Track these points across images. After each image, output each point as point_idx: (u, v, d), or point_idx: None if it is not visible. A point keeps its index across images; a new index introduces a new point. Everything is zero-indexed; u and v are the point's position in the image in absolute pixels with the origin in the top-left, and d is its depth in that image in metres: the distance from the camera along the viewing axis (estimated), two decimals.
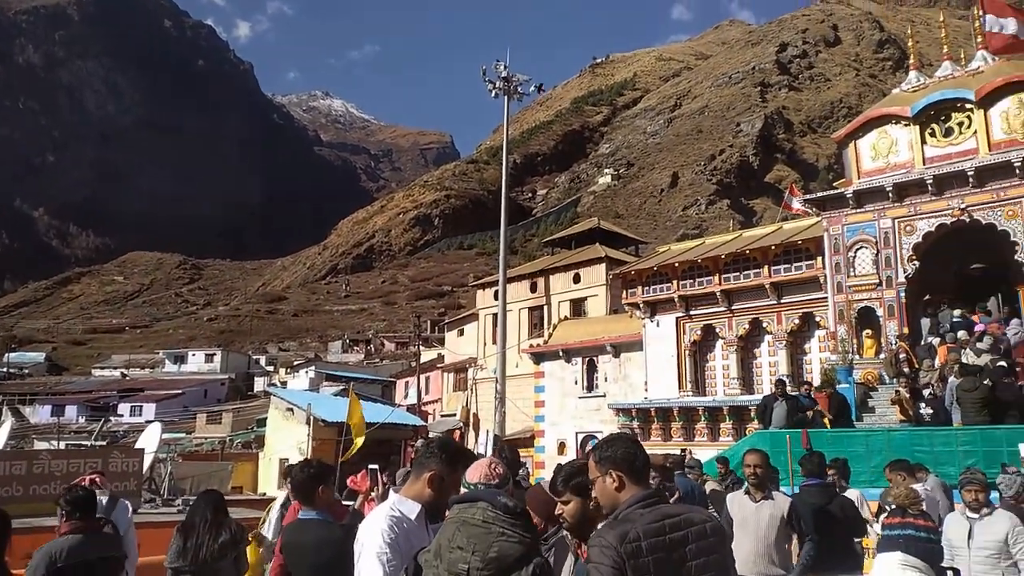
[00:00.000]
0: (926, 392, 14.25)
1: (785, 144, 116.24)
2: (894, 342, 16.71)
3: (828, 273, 18.81)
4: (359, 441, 16.24)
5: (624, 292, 24.65)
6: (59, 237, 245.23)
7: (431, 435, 24.33)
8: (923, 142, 17.75)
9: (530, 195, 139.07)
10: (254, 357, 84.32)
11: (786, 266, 20.69)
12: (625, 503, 2.57)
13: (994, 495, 6.69)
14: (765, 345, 21.80)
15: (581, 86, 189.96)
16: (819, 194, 20.62)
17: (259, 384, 68.01)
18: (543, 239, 61.08)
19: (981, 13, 17.76)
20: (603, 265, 31.12)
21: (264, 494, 22.19)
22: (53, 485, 10.67)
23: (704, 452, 17.46)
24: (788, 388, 15.40)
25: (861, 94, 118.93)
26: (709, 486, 9.34)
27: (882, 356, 16.88)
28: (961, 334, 15.05)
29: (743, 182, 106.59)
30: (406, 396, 44.53)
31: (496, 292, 32.29)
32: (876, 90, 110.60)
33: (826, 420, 14.24)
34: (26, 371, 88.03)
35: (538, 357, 28.01)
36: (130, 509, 6.70)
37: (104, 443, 31.82)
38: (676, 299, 22.80)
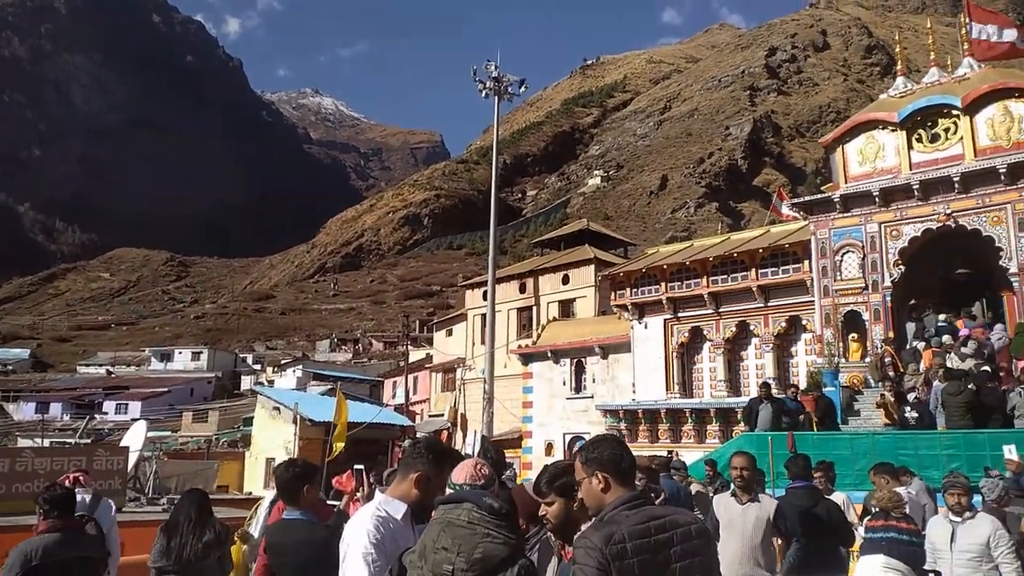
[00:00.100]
0: (911, 396, 14.35)
1: (773, 148, 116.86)
2: (880, 346, 16.84)
3: (815, 277, 18.93)
4: (339, 445, 16.18)
5: (613, 294, 24.69)
6: (44, 233, 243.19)
7: (418, 435, 24.29)
8: (910, 147, 17.89)
9: (520, 196, 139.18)
10: (241, 355, 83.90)
11: (773, 269, 20.78)
12: (611, 504, 2.57)
13: (977, 499, 6.75)
14: (752, 348, 21.89)
15: (571, 88, 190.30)
16: (806, 198, 20.77)
17: (246, 383, 67.67)
18: (532, 240, 61.15)
19: (968, 20, 17.93)
20: (592, 266, 31.17)
21: (250, 493, 22.08)
22: (36, 483, 10.58)
23: (691, 454, 17.52)
24: (773, 391, 15.47)
25: (849, 99, 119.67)
26: (694, 488, 9.38)
27: (868, 360, 17.00)
28: (946, 339, 15.19)
29: (731, 185, 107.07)
30: (394, 396, 44.43)
31: (485, 292, 32.30)
32: (864, 95, 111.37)
33: (813, 423, 14.32)
34: (10, 368, 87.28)
35: (526, 358, 28.01)
36: (113, 508, 6.66)
37: (89, 441, 31.58)
38: (664, 301, 22.86)
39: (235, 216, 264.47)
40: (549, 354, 27.05)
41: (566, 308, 31.58)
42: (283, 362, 72.08)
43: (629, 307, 23.77)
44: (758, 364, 21.58)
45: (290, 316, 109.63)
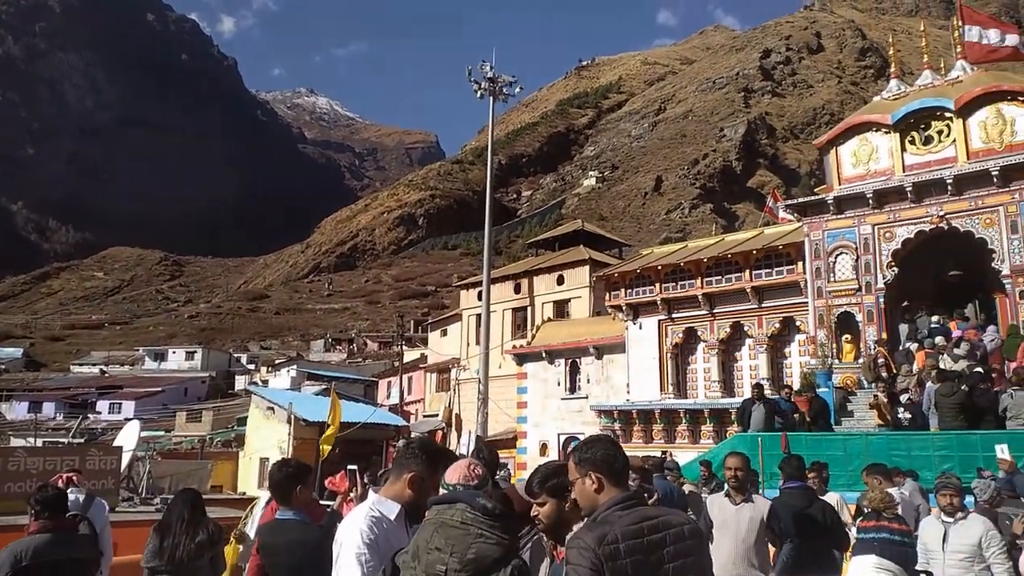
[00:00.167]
0: (904, 397, 14.42)
1: (768, 149, 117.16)
2: (873, 347, 16.90)
3: (808, 278, 18.98)
4: (325, 448, 16.16)
5: (607, 294, 24.72)
6: (38, 231, 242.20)
7: (413, 435, 24.29)
8: (903, 150, 17.96)
9: (515, 196, 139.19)
10: (235, 355, 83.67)
11: (767, 270, 20.83)
12: (604, 505, 2.57)
13: (969, 500, 6.78)
14: (746, 348, 21.94)
15: (566, 88, 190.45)
16: (800, 200, 20.83)
17: (240, 383, 67.53)
18: (527, 240, 61.15)
19: (961, 24, 18.02)
20: (587, 267, 31.20)
21: (244, 493, 22.07)
22: (28, 483, 10.55)
23: (685, 454, 17.55)
24: (766, 392, 15.52)
25: (843, 101, 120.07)
26: (686, 488, 9.39)
27: (861, 361, 17.06)
28: (939, 340, 15.26)
29: (726, 187, 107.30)
30: (388, 396, 44.37)
31: (480, 293, 32.25)
32: (858, 97, 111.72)
33: (806, 424, 14.36)
34: (3, 367, 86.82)
35: (521, 358, 28.03)
36: (107, 508, 6.65)
37: (82, 441, 31.51)
38: (659, 302, 22.90)
39: (230, 215, 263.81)
40: (544, 354, 27.07)
41: (561, 308, 31.61)
42: (277, 362, 71.96)
43: (624, 308, 23.80)
44: (752, 365, 21.64)
45: (284, 316, 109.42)
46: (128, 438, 16.12)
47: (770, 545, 5.88)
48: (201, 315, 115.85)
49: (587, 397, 25.47)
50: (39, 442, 32.79)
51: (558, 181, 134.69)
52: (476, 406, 28.45)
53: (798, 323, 20.37)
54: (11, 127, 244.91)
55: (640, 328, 23.54)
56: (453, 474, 2.93)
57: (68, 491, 5.82)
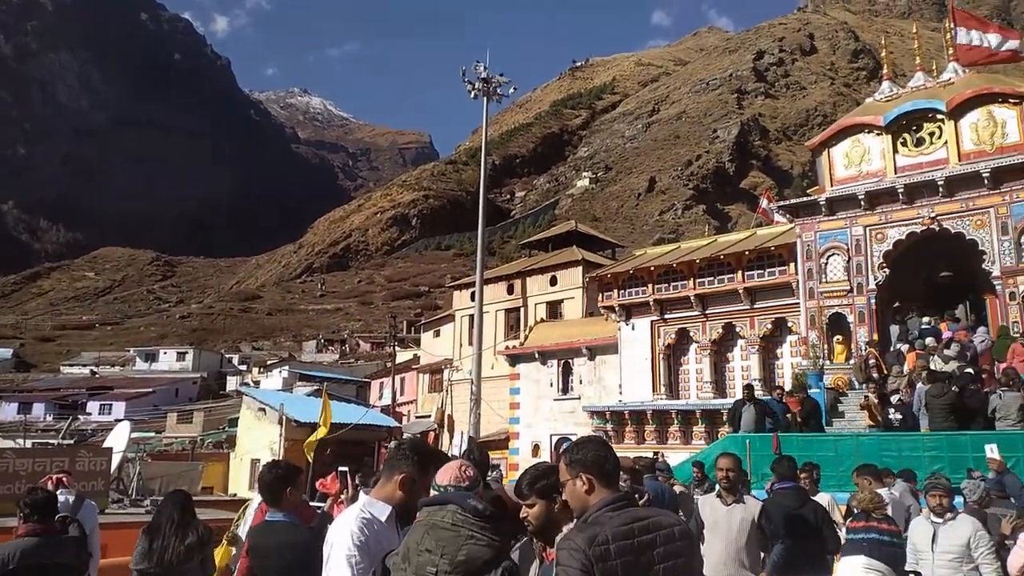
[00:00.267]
0: (894, 398, 14.46)
1: (761, 151, 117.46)
2: (864, 348, 16.97)
3: (800, 279, 19.04)
4: (308, 453, 16.12)
5: (600, 295, 24.75)
6: (29, 231, 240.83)
7: (405, 436, 24.25)
8: (895, 151, 18.05)
9: (508, 197, 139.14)
10: (227, 356, 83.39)
11: (759, 271, 20.89)
12: (595, 506, 2.57)
13: (959, 500, 6.81)
14: (738, 349, 22.00)
15: (560, 89, 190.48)
16: (793, 201, 20.90)
17: (231, 383, 67.27)
18: (521, 241, 61.15)
19: (953, 26, 18.11)
20: (580, 268, 31.22)
21: (235, 495, 21.98)
22: (17, 484, 10.49)
23: (677, 455, 17.60)
24: (756, 392, 15.55)
25: (836, 103, 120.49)
26: (676, 489, 9.40)
27: (852, 362, 17.12)
28: (929, 341, 15.32)
29: (719, 188, 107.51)
30: (381, 397, 44.31)
31: (473, 293, 32.28)
32: (851, 99, 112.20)
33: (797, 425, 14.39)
34: None
35: (514, 359, 28.02)
36: (97, 509, 6.63)
37: (72, 442, 31.35)
38: (651, 303, 22.93)
39: (222, 216, 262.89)
40: (536, 355, 27.07)
41: (554, 309, 31.62)
42: (269, 363, 71.72)
43: (616, 308, 23.83)
44: (744, 366, 21.70)
45: (276, 316, 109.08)
46: (118, 439, 16.04)
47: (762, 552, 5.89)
48: (193, 315, 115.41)
49: (580, 398, 25.49)
50: (28, 443, 32.62)
51: (552, 182, 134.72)
52: (469, 407, 28.47)
53: (790, 324, 20.43)
54: (2, 127, 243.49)
55: (633, 329, 23.57)
56: (444, 475, 2.92)
57: (58, 492, 5.81)
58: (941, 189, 17.04)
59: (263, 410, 26.39)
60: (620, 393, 23.69)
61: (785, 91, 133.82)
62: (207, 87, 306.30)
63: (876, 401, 14.03)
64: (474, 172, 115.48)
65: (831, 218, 18.57)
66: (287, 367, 62.88)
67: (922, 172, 17.46)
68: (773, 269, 20.61)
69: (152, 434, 43.97)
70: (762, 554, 5.86)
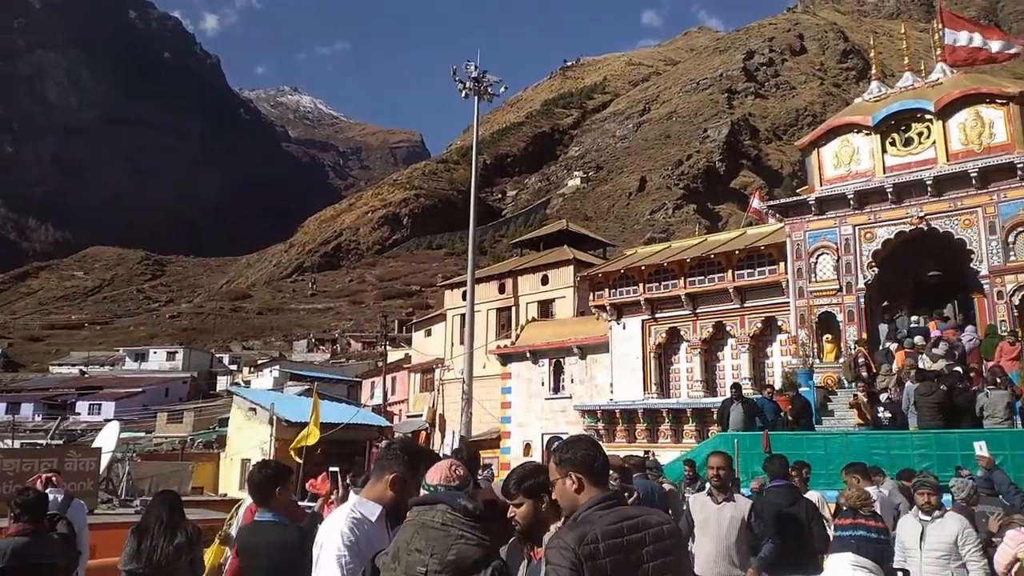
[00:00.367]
0: (883, 396, 14.54)
1: (751, 150, 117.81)
2: (853, 347, 17.04)
3: (790, 278, 19.12)
4: (296, 457, 16.09)
5: (591, 294, 24.77)
6: (17, 230, 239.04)
7: (396, 436, 24.23)
8: (884, 151, 18.14)
9: (500, 196, 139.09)
10: (217, 356, 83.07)
11: (749, 271, 20.95)
12: (584, 505, 2.58)
13: (947, 498, 6.85)
14: (728, 348, 22.06)
15: (551, 88, 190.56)
16: (782, 200, 20.97)
17: (222, 383, 67.01)
18: (512, 240, 61.12)
19: (941, 27, 18.22)
20: (571, 267, 31.25)
21: (225, 495, 21.92)
22: (5, 485, 10.44)
23: (668, 454, 17.63)
24: (744, 391, 15.61)
25: (825, 103, 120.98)
26: (664, 487, 9.43)
27: (841, 360, 17.20)
28: (918, 340, 15.42)
29: (709, 187, 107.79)
30: (372, 396, 44.22)
31: (464, 293, 32.26)
32: (840, 99, 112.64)
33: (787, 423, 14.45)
34: None
35: (505, 358, 28.02)
36: (86, 508, 6.61)
37: (60, 442, 31.17)
38: (642, 302, 22.98)
39: (212, 215, 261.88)
40: (528, 354, 27.08)
41: (545, 308, 31.64)
42: (260, 362, 71.46)
43: (607, 308, 23.86)
44: (734, 364, 21.77)
45: (267, 316, 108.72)
46: (107, 439, 15.97)
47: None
48: (183, 315, 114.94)
49: (571, 397, 25.51)
50: (17, 444, 32.35)
51: (543, 181, 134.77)
52: (460, 406, 28.47)
53: (780, 323, 20.50)
54: None
55: (624, 328, 23.61)
56: (434, 475, 2.92)
57: (47, 491, 5.79)
58: (929, 189, 17.14)
59: (253, 410, 26.31)
60: (611, 392, 23.72)
61: (775, 91, 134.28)
62: (196, 85, 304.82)
63: (865, 400, 14.10)
64: (465, 171, 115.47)
65: (820, 218, 18.65)
66: (278, 367, 62.67)
67: (911, 172, 17.55)
68: (763, 268, 20.67)
69: (142, 434, 43.78)
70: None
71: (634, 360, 23.22)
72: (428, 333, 38.71)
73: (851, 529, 4.57)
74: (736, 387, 15.27)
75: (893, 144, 18.11)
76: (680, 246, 24.58)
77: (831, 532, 6.20)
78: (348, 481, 10.14)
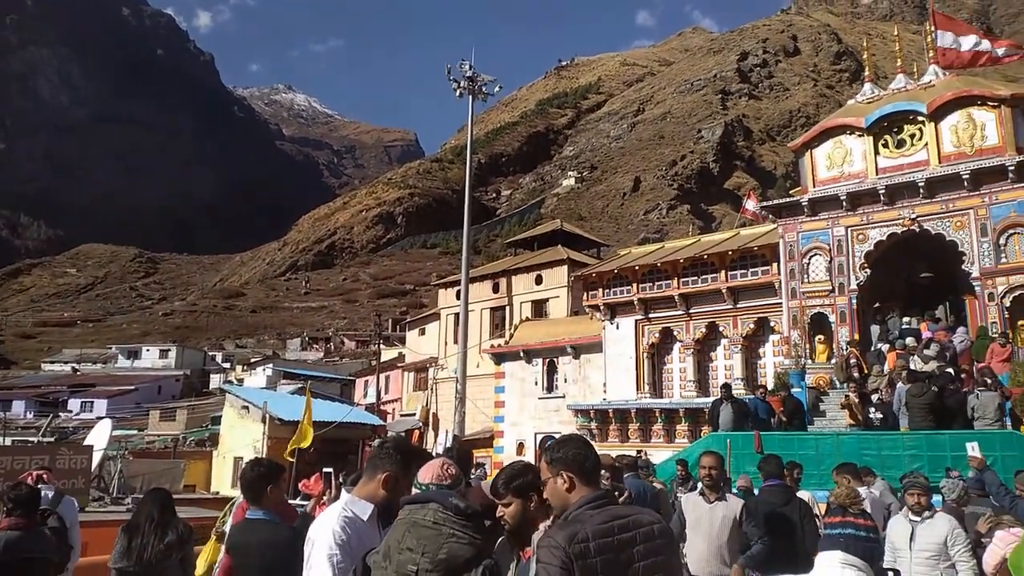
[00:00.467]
0: (875, 397, 14.61)
1: (744, 151, 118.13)
2: (845, 348, 17.11)
3: (783, 279, 19.16)
4: (289, 457, 16.05)
5: (585, 294, 24.79)
6: (9, 228, 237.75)
7: (389, 435, 24.20)
8: (876, 153, 18.20)
9: (494, 196, 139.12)
10: (210, 354, 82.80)
11: (742, 271, 20.99)
12: (575, 504, 2.59)
13: (937, 499, 6.89)
14: (721, 348, 22.11)
15: (546, 88, 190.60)
16: (775, 201, 21.02)
17: (215, 381, 66.87)
18: (506, 240, 61.17)
19: (933, 29, 18.29)
20: (565, 267, 31.27)
21: (217, 493, 21.89)
22: None
23: (660, 453, 17.67)
24: (738, 391, 15.65)
25: (819, 104, 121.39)
26: (655, 487, 9.45)
27: (833, 361, 17.26)
28: (909, 341, 15.49)
29: (703, 188, 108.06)
30: (365, 395, 44.18)
31: (458, 292, 32.26)
32: (833, 100, 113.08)
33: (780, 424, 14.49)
34: None
35: (499, 357, 28.02)
36: (76, 504, 6.60)
37: (52, 439, 30.99)
38: (636, 302, 23.01)
39: (205, 212, 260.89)
40: (521, 354, 27.09)
41: (539, 308, 31.65)
42: (253, 360, 71.33)
43: (601, 307, 23.89)
44: (727, 365, 21.82)
45: (260, 314, 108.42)
46: (99, 437, 15.91)
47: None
48: (176, 313, 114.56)
49: (564, 396, 25.53)
50: (8, 441, 32.19)
51: (537, 181, 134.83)
52: (454, 405, 28.48)
53: (772, 324, 20.56)
54: None
55: (617, 328, 23.63)
56: (426, 473, 2.92)
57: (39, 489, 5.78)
58: (922, 190, 17.20)
59: (246, 408, 26.28)
60: (604, 392, 23.75)
61: (768, 92, 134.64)
62: (189, 83, 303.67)
63: (857, 400, 14.16)
64: (460, 170, 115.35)
65: (813, 219, 18.70)
66: (271, 365, 62.56)
67: (903, 173, 17.62)
68: (756, 269, 20.72)
69: (134, 432, 43.61)
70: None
71: (627, 360, 23.25)
72: (422, 332, 38.69)
73: (840, 527, 4.60)
74: (726, 387, 15.32)
75: (886, 146, 18.17)
76: (674, 246, 24.63)
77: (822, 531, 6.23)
78: (342, 479, 10.15)
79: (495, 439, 27.53)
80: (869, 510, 6.32)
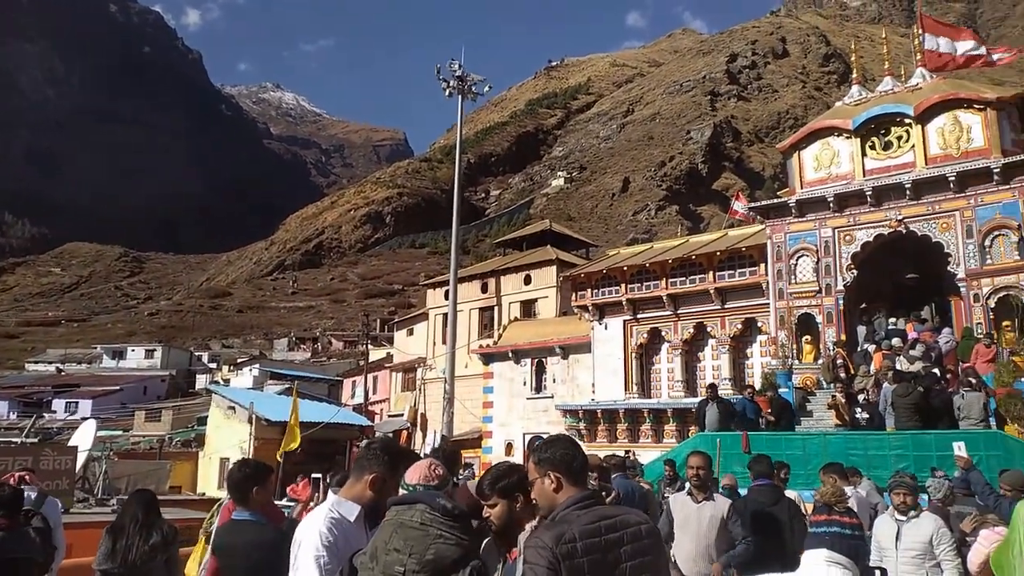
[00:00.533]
0: (861, 397, 14.70)
1: (733, 153, 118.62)
2: (832, 348, 17.21)
3: (770, 280, 19.25)
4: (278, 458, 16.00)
5: (574, 294, 24.82)
6: None
7: (377, 435, 24.14)
8: (863, 154, 18.32)
9: (483, 195, 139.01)
10: (196, 354, 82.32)
11: (730, 272, 21.08)
12: (562, 504, 2.58)
13: (924, 498, 6.93)
14: (709, 349, 22.20)
15: (536, 88, 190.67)
16: (763, 203, 21.12)
17: (201, 381, 66.48)
18: (495, 240, 61.13)
19: (921, 32, 18.42)
20: (554, 267, 31.30)
21: (203, 494, 21.76)
22: None
23: (648, 454, 17.71)
24: (725, 392, 15.71)
25: (807, 106, 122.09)
26: (642, 487, 9.45)
27: (820, 362, 17.36)
28: (895, 341, 15.59)
29: (692, 189, 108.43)
30: (353, 396, 44.05)
31: (447, 292, 32.20)
32: (821, 102, 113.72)
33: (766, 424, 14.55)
34: None
35: (487, 358, 28.01)
36: (60, 505, 6.55)
37: (36, 440, 30.73)
38: (624, 302, 23.05)
39: (192, 211, 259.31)
40: (510, 354, 27.09)
41: (528, 308, 31.67)
42: (239, 361, 70.97)
43: (590, 308, 23.92)
44: (714, 365, 21.90)
45: (247, 314, 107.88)
46: (84, 438, 15.78)
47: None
48: (161, 312, 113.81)
49: (553, 397, 25.54)
50: None
51: (526, 181, 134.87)
52: (442, 406, 28.40)
53: (760, 324, 20.65)
54: None
55: (606, 328, 23.67)
56: (413, 474, 2.91)
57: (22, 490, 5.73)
58: (908, 192, 17.33)
59: (233, 408, 26.15)
60: (593, 392, 23.78)
61: (757, 94, 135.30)
62: (178, 81, 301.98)
63: (843, 400, 14.24)
64: (449, 170, 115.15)
65: (801, 220, 18.80)
66: (258, 365, 62.27)
67: (890, 175, 17.74)
68: (744, 270, 20.81)
69: (119, 432, 43.30)
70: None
71: (616, 360, 23.29)
72: (410, 332, 38.61)
73: (825, 525, 4.62)
74: (712, 387, 15.38)
75: (873, 148, 18.30)
76: (662, 247, 24.69)
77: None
78: (329, 480, 10.10)
79: (483, 439, 27.51)
80: (855, 509, 6.35)
